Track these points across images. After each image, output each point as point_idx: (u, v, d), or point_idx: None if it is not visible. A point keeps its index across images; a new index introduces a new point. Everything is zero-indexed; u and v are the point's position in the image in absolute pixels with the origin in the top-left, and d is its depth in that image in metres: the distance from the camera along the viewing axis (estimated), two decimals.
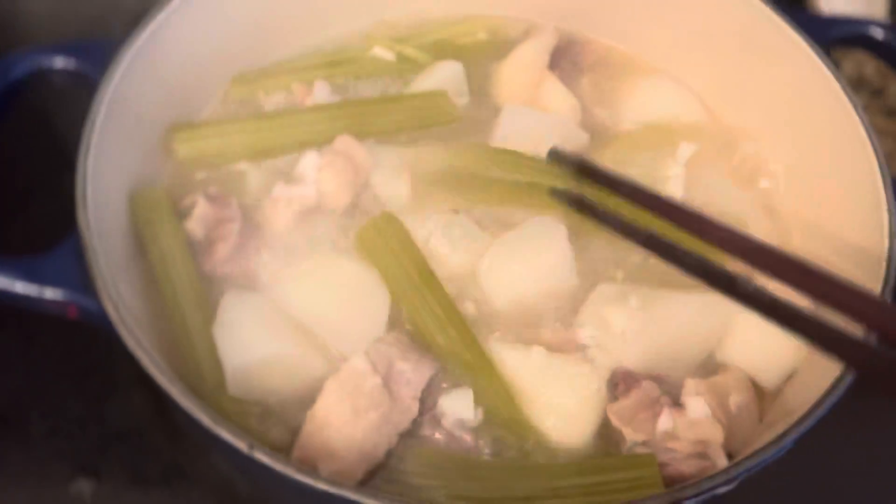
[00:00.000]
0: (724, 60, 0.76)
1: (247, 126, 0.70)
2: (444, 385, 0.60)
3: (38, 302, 0.54)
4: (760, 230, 0.69)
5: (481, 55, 0.80)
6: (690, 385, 0.58)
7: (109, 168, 0.61)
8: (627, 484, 0.54)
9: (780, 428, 0.52)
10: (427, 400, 0.59)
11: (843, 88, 0.68)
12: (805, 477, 0.67)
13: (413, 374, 0.58)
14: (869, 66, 1.00)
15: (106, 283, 0.52)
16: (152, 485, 0.65)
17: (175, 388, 0.47)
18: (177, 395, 0.47)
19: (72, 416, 0.68)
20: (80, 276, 0.53)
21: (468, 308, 0.64)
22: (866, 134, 0.65)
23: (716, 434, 0.56)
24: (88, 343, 0.71)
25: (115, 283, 0.53)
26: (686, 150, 0.71)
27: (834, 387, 0.52)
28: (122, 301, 0.52)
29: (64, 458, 0.66)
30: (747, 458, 0.49)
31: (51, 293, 0.53)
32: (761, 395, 0.62)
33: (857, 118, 0.66)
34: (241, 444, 0.45)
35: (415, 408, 0.57)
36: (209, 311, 0.60)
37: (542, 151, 0.68)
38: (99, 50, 0.64)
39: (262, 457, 0.45)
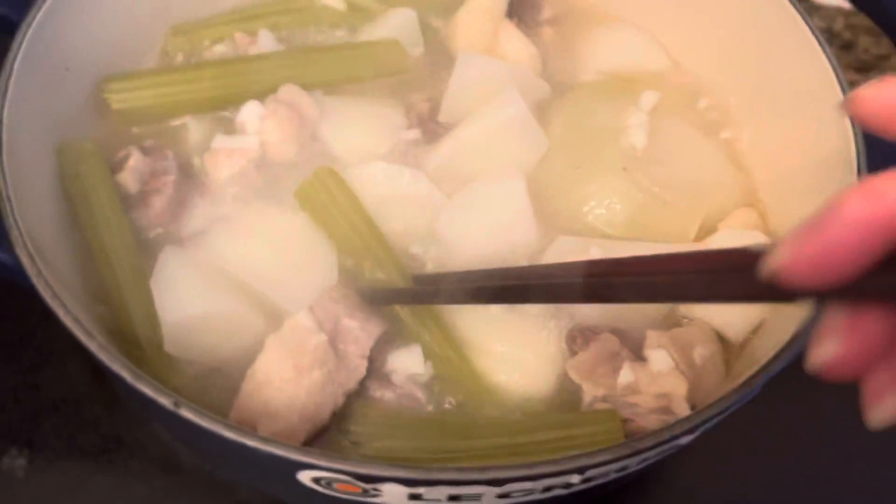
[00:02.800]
0: (688, 7, 0.73)
1: (185, 76, 0.65)
2: (395, 343, 0.57)
3: None
4: (725, 179, 0.66)
5: (437, 3, 0.76)
6: (652, 337, 0.55)
7: (32, 117, 0.56)
8: (587, 440, 0.51)
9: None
10: (376, 360, 0.56)
11: (813, 32, 0.65)
12: (770, 431, 0.65)
13: (361, 331, 0.55)
14: (839, 20, 0.98)
15: (22, 233, 0.48)
16: (89, 456, 0.61)
17: (94, 342, 0.43)
18: (96, 349, 0.43)
19: (4, 387, 0.64)
20: None
21: (423, 265, 0.61)
22: (836, 79, 0.63)
23: (679, 387, 0.53)
24: (22, 311, 0.67)
25: (31, 236, 0.48)
26: (649, 98, 0.68)
27: (799, 334, 0.50)
28: (42, 254, 0.48)
29: None
30: (709, 406, 0.46)
31: None
32: (728, 347, 0.60)
33: (827, 64, 0.64)
34: (165, 401, 0.41)
35: (363, 367, 0.54)
36: (143, 267, 0.56)
37: (499, 100, 0.65)
38: None
39: (187, 414, 0.41)
